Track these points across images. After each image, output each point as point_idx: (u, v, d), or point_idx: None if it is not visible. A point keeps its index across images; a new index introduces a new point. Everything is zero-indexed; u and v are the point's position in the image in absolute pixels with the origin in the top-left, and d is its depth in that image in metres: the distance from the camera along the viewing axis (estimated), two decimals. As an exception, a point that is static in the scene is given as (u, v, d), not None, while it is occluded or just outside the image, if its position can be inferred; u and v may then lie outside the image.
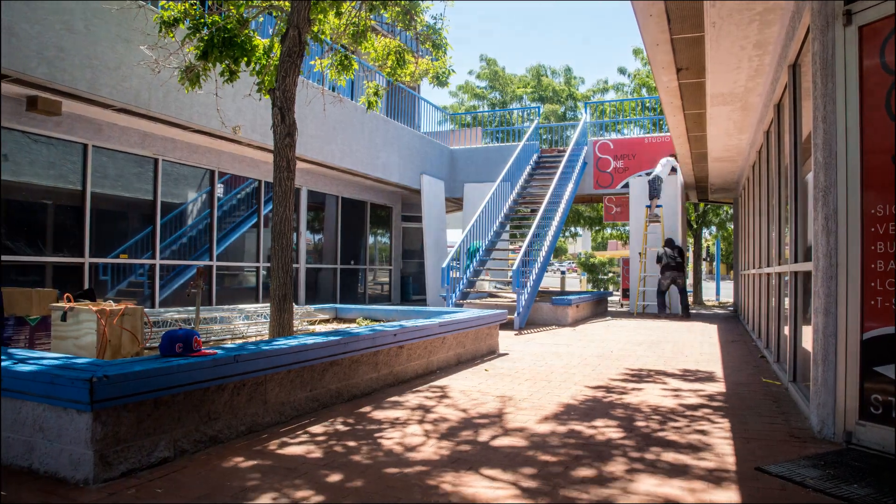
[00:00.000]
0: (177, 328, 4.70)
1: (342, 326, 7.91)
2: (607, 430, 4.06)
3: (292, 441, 3.73)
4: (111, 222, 9.70)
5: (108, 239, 9.45)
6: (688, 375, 6.20)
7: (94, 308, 4.46)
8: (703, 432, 4.00)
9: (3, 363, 3.30)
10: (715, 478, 3.13)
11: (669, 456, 3.48)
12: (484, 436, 3.89)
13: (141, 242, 10.09)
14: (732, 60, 6.47)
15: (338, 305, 9.25)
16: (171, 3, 6.48)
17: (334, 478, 3.09)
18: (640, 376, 6.13)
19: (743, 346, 8.64)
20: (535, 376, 6.09)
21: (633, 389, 5.44)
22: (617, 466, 3.29)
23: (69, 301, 4.70)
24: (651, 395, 5.17)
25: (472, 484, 3.02)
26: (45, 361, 3.37)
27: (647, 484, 3.03)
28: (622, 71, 24.47)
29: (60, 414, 3.05)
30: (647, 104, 20.66)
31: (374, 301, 16.80)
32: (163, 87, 8.61)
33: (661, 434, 3.95)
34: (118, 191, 9.72)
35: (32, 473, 3.08)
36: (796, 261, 5.18)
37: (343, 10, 6.97)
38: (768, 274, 7.41)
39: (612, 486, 3.01)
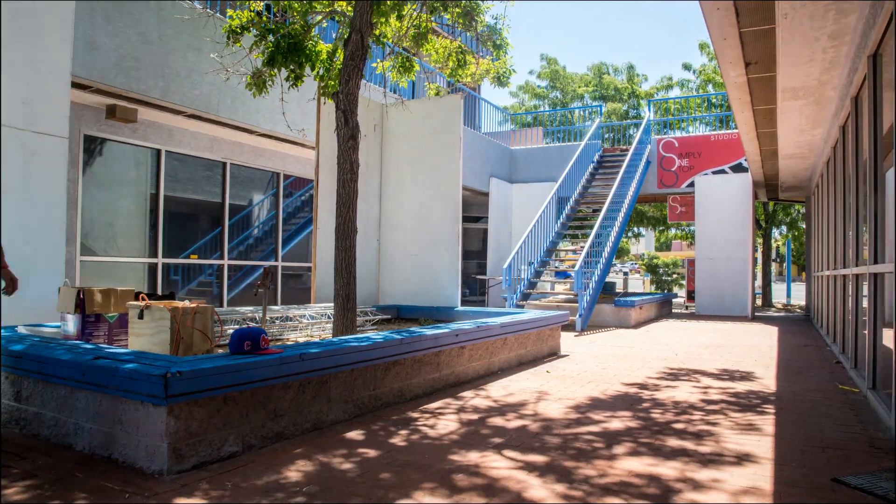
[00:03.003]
0: (245, 327, 4.84)
1: (404, 327, 7.99)
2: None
3: (353, 439, 3.79)
4: (182, 224, 10.08)
5: (179, 240, 9.83)
6: (757, 380, 5.98)
7: (169, 307, 4.64)
8: (773, 438, 3.86)
9: (83, 357, 3.47)
10: (791, 493, 3.01)
11: (729, 467, 3.38)
12: (545, 432, 3.87)
13: (210, 243, 10.45)
14: (805, 53, 6.20)
15: (400, 305, 9.34)
16: (238, 11, 6.69)
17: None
18: (705, 380, 5.96)
19: (816, 351, 8.28)
20: (597, 378, 6.00)
21: (702, 397, 5.29)
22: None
23: (145, 300, 4.91)
24: (715, 400, 5.02)
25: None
26: (123, 357, 3.53)
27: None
28: (687, 67, 23.77)
29: (137, 407, 3.19)
30: (713, 101, 20.04)
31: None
32: (231, 93, 8.91)
33: (729, 438, 3.83)
34: (188, 193, 10.10)
35: (112, 462, 3.23)
36: (875, 261, 4.93)
37: (405, 13, 7.04)
38: (844, 275, 7.08)
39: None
